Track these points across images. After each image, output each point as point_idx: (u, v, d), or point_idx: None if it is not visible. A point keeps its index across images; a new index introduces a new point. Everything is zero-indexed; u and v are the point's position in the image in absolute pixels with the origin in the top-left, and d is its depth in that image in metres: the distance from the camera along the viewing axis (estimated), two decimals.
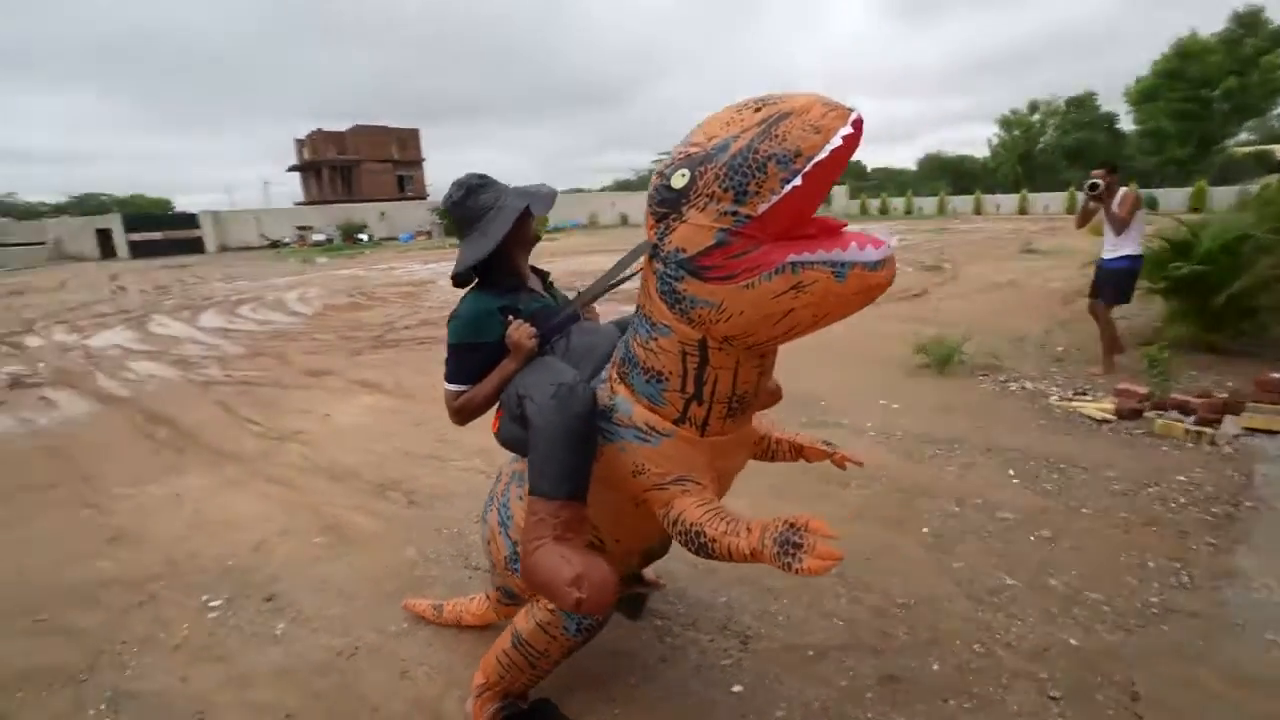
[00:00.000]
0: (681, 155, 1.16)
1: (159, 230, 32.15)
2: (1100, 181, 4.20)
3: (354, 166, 43.59)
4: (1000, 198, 34.60)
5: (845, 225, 1.12)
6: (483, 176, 1.60)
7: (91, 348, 7.83)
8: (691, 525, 1.22)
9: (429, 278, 14.06)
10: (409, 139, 46.63)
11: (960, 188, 41.92)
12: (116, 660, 2.05)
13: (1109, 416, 3.67)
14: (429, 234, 33.95)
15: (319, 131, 43.97)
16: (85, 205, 40.03)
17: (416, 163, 47.21)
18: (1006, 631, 1.93)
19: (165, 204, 57.87)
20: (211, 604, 2.34)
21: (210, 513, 3.11)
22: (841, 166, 1.04)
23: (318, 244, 30.99)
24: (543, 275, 1.78)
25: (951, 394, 4.29)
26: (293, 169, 46.82)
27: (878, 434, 3.64)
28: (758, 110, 1.09)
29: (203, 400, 5.19)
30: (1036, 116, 43.48)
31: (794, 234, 1.10)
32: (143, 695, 1.88)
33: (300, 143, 45.89)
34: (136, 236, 31.11)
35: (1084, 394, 4.15)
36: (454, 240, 23.81)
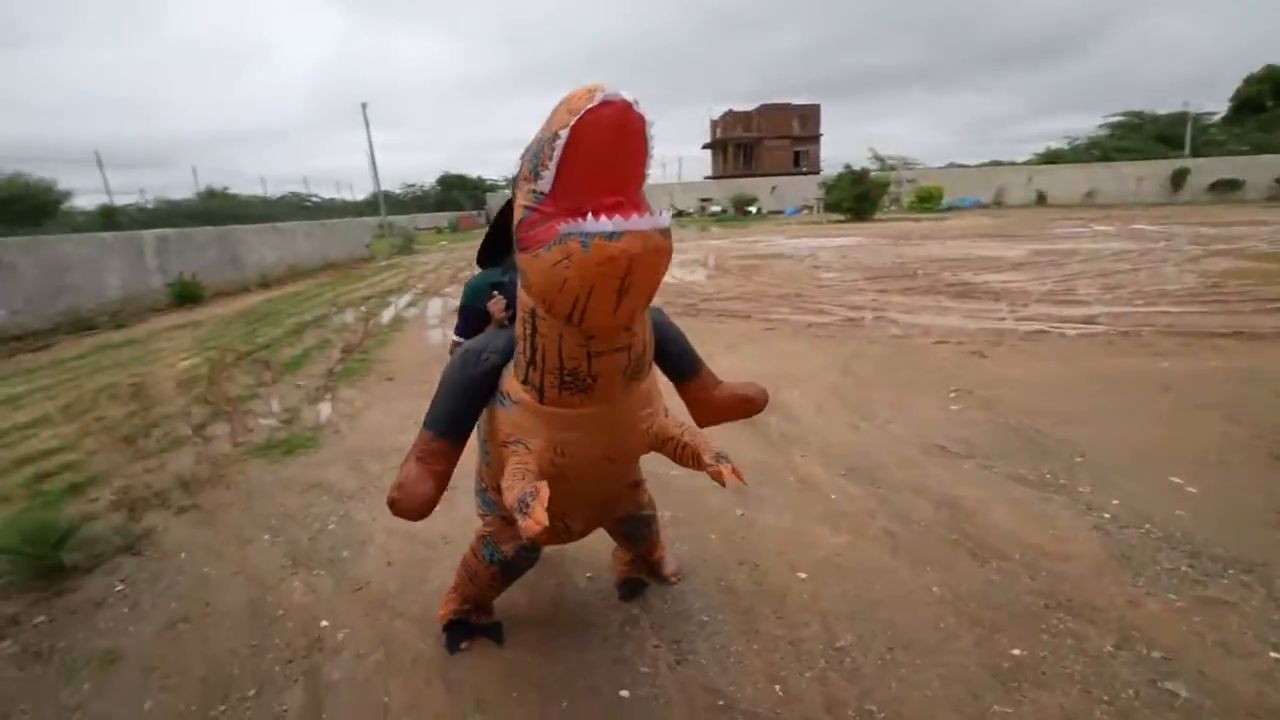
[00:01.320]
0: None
1: None
2: None
3: (755, 144, 46.67)
4: None
5: (635, 203, 1.16)
6: None
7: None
8: (502, 480, 1.44)
9: (784, 253, 14.50)
10: (809, 115, 47.40)
11: None
12: None
13: None
14: (811, 208, 34.46)
15: (730, 112, 48.24)
16: None
17: (814, 138, 47.82)
18: None
19: None
20: None
21: None
22: (610, 144, 1.10)
23: (714, 215, 34.59)
24: None
25: None
26: (705, 146, 52.66)
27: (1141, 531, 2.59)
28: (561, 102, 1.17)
29: None
30: None
31: (587, 209, 1.14)
32: None
33: (714, 123, 51.07)
34: None
35: None
36: (834, 216, 23.63)
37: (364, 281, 13.53)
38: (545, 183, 1.18)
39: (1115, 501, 2.68)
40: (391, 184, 54.87)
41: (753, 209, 35.00)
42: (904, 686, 1.73)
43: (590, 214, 1.12)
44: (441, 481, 1.55)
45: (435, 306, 9.36)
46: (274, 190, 34.66)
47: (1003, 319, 6.50)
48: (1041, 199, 34.02)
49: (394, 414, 4.47)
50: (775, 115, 46.65)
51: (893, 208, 32.34)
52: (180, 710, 1.82)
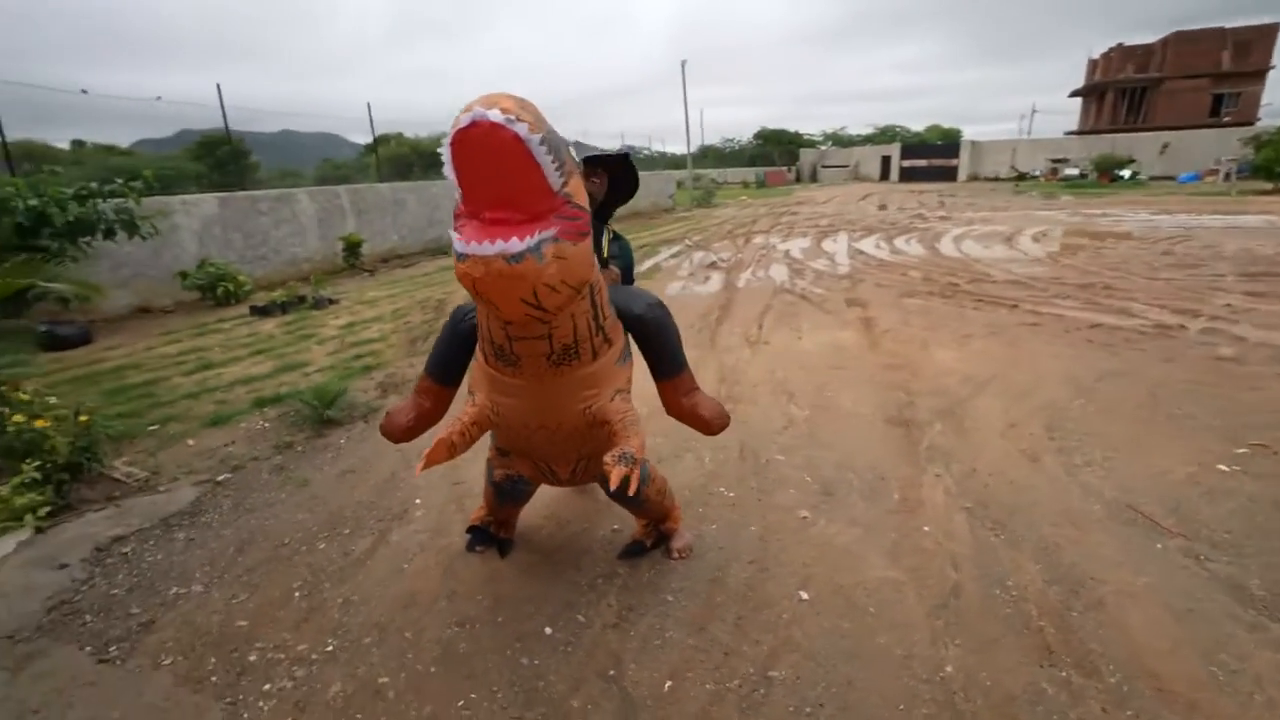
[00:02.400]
0: None
1: (924, 158, 35.97)
2: None
3: (1151, 87, 35.75)
4: None
5: (499, 217, 1.21)
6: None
7: (775, 254, 10.51)
8: None
9: (1136, 232, 11.30)
10: (1253, 43, 34.07)
11: None
12: None
13: None
14: (1221, 173, 25.44)
15: (1118, 48, 37.57)
16: (885, 136, 48.45)
17: (1254, 75, 34.52)
18: None
19: (953, 134, 62.98)
20: None
21: None
22: (479, 163, 1.14)
23: (1067, 179, 28.17)
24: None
25: None
26: (1074, 94, 42.21)
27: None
28: None
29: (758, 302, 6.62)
30: None
31: (484, 215, 1.21)
32: None
33: (1093, 64, 40.51)
34: (906, 163, 35.92)
35: None
36: (1257, 184, 17.80)
37: (648, 231, 14.79)
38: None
39: None
40: (718, 137, 57.59)
41: (1125, 173, 27.40)
42: None
43: (459, 229, 1.23)
44: (425, 415, 1.86)
45: (694, 260, 9.84)
46: (614, 144, 39.46)
47: None
48: None
49: None
50: (1193, 46, 34.82)
51: None
52: (308, 526, 2.57)
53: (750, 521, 2.52)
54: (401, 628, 1.96)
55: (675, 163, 37.50)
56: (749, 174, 40.06)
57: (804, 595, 2.06)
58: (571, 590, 2.13)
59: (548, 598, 2.09)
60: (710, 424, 1.90)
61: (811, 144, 50.44)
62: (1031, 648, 1.83)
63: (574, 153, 1.36)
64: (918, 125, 53.34)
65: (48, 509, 2.62)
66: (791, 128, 53.62)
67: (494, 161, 1.15)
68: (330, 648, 1.89)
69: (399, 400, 1.86)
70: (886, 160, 37.12)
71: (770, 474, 2.93)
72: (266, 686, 1.75)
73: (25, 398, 2.94)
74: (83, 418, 2.92)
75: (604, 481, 2.06)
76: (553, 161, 1.19)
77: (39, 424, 2.73)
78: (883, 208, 18.26)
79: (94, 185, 5.79)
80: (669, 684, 1.72)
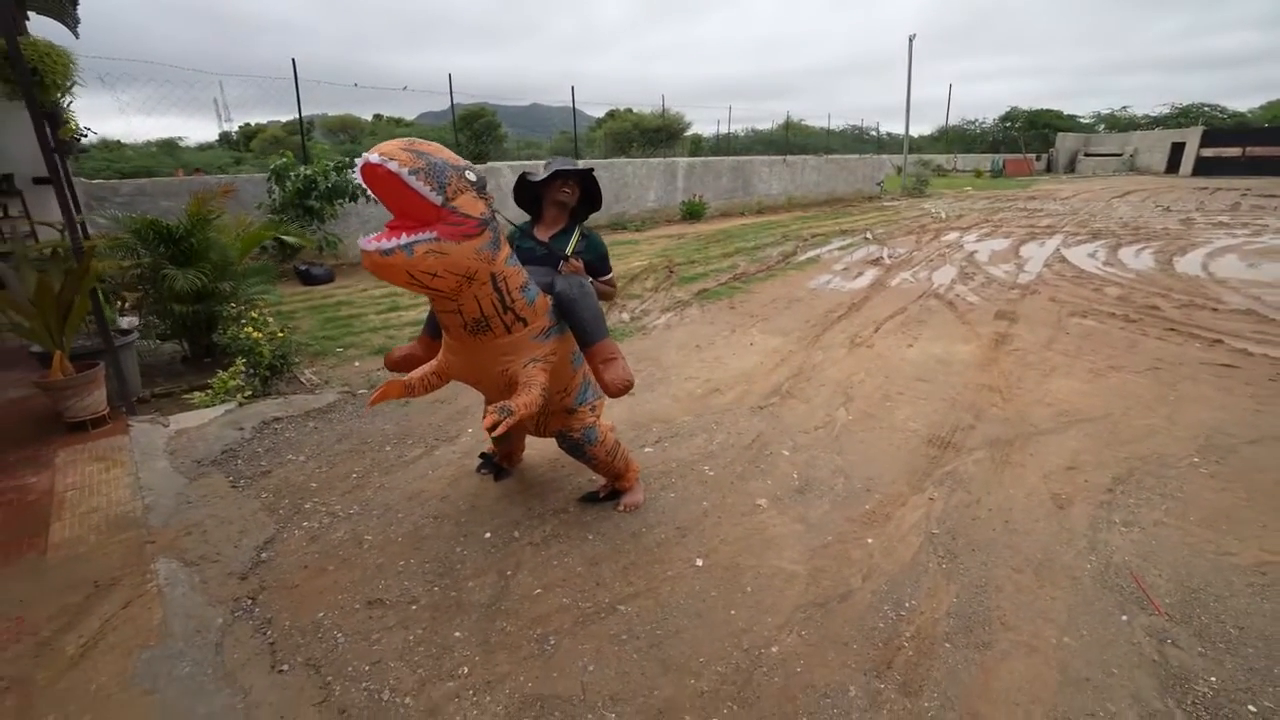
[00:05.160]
0: None
1: (1238, 145, 28.35)
2: None
3: None
4: None
5: (394, 225, 1.69)
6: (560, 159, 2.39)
7: (956, 254, 9.60)
8: None
9: None
10: None
11: None
12: None
13: None
14: None
15: None
16: (1185, 116, 38.66)
17: None
18: None
19: None
20: None
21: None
22: (373, 190, 1.64)
23: None
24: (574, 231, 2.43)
25: None
26: None
27: None
28: None
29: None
30: None
31: (388, 223, 1.71)
32: None
33: None
34: (1209, 151, 28.72)
35: None
36: None
37: (835, 220, 14.26)
38: None
39: None
40: (968, 116, 51.44)
41: None
42: None
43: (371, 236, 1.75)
44: (415, 356, 2.41)
45: (854, 256, 9.47)
46: (839, 122, 37.56)
47: None
48: None
49: (694, 335, 5.41)
50: None
51: None
52: (388, 433, 3.44)
53: (707, 498, 2.79)
54: (399, 510, 2.68)
55: (915, 146, 34.53)
56: (987, 161, 35.36)
57: (699, 563, 2.32)
58: (525, 514, 2.65)
59: (505, 514, 2.64)
60: (608, 386, 2.14)
61: (1078, 127, 42.47)
62: (871, 659, 1.91)
63: (470, 175, 1.80)
64: (1239, 103, 41.73)
65: (250, 393, 3.86)
66: (1060, 106, 45.74)
67: (380, 188, 1.67)
68: (353, 511, 2.67)
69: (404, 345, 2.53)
70: (1178, 148, 29.98)
71: (763, 465, 3.11)
72: (305, 524, 2.58)
73: (255, 315, 4.27)
74: (280, 334, 4.17)
75: (558, 438, 2.52)
76: (428, 186, 1.66)
77: (255, 335, 4.00)
78: (1136, 207, 15.19)
79: (345, 159, 7.58)
80: (538, 590, 2.16)
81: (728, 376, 4.40)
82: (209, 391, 3.79)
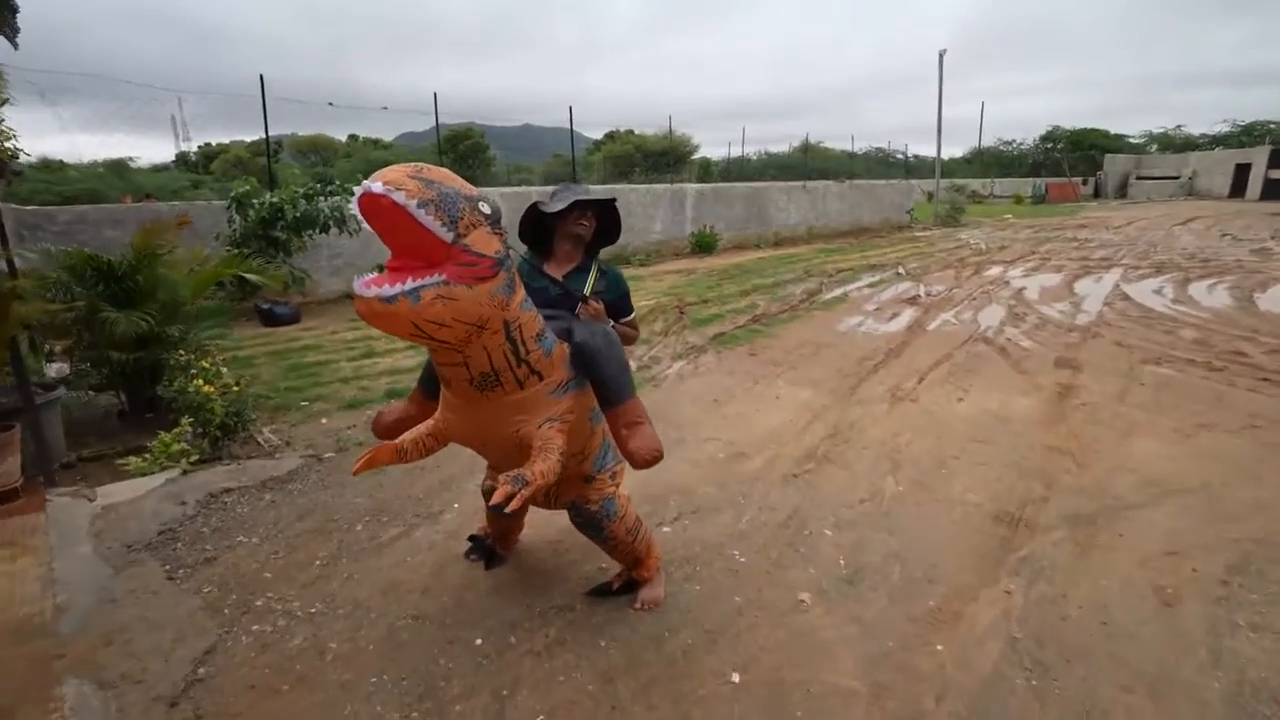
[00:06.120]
0: None
1: None
2: None
3: None
4: None
5: (396, 265, 1.61)
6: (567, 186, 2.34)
7: (1002, 292, 9.59)
8: None
9: None
10: None
11: None
12: None
13: None
14: None
15: None
16: (1249, 135, 39.41)
17: None
18: None
19: None
20: None
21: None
22: (372, 223, 1.56)
23: None
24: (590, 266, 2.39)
25: None
26: None
27: None
28: None
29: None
30: None
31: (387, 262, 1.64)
32: None
33: None
34: (1279, 174, 29.22)
35: None
36: None
37: (861, 253, 14.34)
38: None
39: None
40: (1006, 135, 52.53)
41: None
42: None
43: (366, 280, 1.64)
44: (409, 418, 2.28)
45: (886, 294, 9.44)
46: (861, 145, 38.32)
47: None
48: None
49: (712, 386, 5.30)
50: None
51: None
52: (358, 509, 3.27)
53: (740, 592, 2.61)
54: (371, 609, 2.50)
55: (947, 170, 35.11)
56: (1027, 185, 35.91)
57: (735, 678, 2.14)
58: (523, 613, 2.47)
59: (499, 613, 2.46)
60: (633, 456, 2.02)
61: (1127, 147, 43.33)
62: None
63: (485, 207, 1.72)
64: None
65: (196, 457, 3.72)
66: (1105, 125, 46.83)
67: (382, 222, 1.57)
68: (314, 610, 2.49)
69: (395, 404, 2.40)
70: (1243, 170, 30.50)
71: (803, 547, 2.95)
72: (255, 627, 2.39)
73: (207, 365, 4.16)
74: (235, 387, 4.06)
75: (570, 510, 2.38)
76: (437, 220, 1.56)
77: (206, 389, 3.88)
78: (1201, 235, 15.30)
79: (317, 185, 7.63)
80: (542, 717, 1.98)
81: (754, 437, 4.27)
82: (147, 456, 3.65)
